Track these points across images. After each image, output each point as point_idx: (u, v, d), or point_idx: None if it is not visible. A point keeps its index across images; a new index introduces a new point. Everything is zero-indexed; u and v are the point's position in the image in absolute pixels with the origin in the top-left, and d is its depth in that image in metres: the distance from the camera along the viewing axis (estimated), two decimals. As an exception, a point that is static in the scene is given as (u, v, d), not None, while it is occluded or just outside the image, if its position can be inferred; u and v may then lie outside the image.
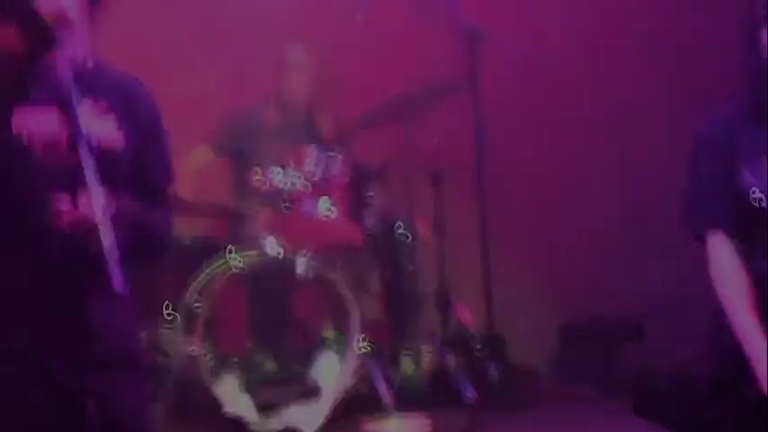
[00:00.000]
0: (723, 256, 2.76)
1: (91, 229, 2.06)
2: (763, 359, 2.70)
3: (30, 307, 2.25)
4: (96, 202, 2.06)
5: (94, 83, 2.35)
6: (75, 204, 2.15)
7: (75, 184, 2.12)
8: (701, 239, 2.82)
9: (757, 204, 2.71)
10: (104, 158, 2.18)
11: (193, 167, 5.09)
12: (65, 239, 2.18)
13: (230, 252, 4.46)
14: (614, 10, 5.91)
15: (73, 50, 2.28)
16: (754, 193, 2.72)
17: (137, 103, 2.46)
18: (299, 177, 4.45)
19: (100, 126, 2.32)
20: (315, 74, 5.04)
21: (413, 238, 4.80)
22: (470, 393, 4.37)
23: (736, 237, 2.77)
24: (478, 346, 4.71)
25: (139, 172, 2.45)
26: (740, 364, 2.74)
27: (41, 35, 2.20)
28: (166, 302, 4.47)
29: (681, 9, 5.92)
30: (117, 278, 1.98)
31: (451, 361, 4.67)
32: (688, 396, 4.30)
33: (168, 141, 2.55)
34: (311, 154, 4.50)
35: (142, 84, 2.52)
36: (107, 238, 2.02)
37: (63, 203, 2.17)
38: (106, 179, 2.18)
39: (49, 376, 2.26)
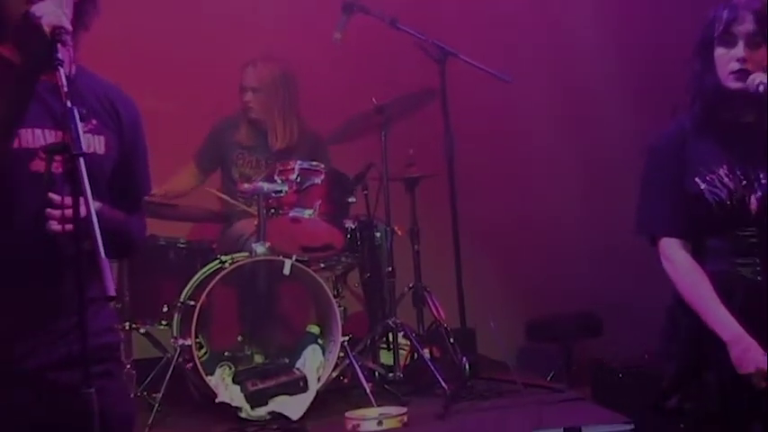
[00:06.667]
0: (679, 257, 2.82)
1: (78, 233, 2.02)
2: (742, 342, 2.66)
3: (17, 309, 2.23)
4: (88, 208, 2.00)
5: (76, 88, 2.25)
6: (65, 209, 2.10)
7: (65, 190, 2.08)
8: (654, 243, 2.89)
9: (707, 212, 2.78)
10: (88, 163, 2.10)
11: (182, 186, 5.23)
12: (53, 242, 2.15)
13: (222, 254, 4.58)
14: (580, 22, 6.03)
15: (67, 61, 2.18)
16: (705, 201, 2.78)
17: (120, 112, 2.41)
18: (285, 185, 4.55)
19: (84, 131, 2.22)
20: (267, 95, 5.11)
21: (390, 240, 4.88)
22: (444, 383, 4.43)
23: (686, 240, 2.84)
24: (451, 340, 4.75)
25: (121, 180, 2.41)
26: (698, 355, 2.78)
27: (39, 49, 2.12)
28: (164, 301, 4.60)
29: (643, 22, 5.98)
30: (108, 283, 1.95)
31: (426, 353, 4.74)
32: (645, 385, 4.39)
33: (147, 151, 2.53)
34: (296, 164, 4.59)
35: (123, 92, 2.47)
36: (98, 243, 1.97)
37: (55, 209, 2.14)
38: (90, 184, 2.10)
39: (39, 377, 2.24)
